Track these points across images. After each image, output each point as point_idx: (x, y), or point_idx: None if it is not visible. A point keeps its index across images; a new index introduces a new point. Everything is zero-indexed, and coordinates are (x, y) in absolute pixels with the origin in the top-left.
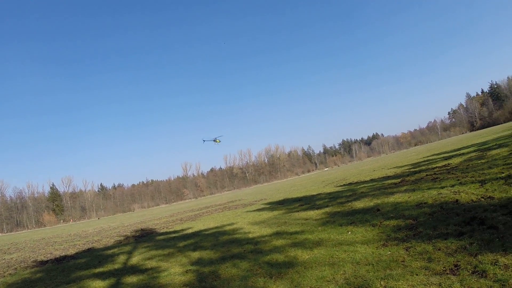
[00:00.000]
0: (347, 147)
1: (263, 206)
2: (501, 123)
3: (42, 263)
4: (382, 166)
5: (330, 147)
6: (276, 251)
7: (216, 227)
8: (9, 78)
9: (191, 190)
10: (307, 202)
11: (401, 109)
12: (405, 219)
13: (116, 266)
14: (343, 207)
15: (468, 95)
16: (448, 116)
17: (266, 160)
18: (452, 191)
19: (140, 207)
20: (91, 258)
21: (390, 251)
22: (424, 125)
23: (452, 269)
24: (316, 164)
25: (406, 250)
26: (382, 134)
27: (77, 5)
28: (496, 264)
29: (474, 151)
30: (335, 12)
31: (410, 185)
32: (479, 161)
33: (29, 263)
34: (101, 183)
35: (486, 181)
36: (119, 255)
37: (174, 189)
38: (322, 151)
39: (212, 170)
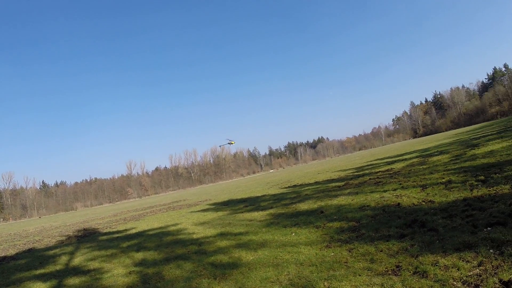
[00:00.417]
0: (293, 150)
1: (207, 206)
2: (443, 131)
3: None
4: (327, 169)
5: (276, 149)
6: (220, 252)
7: (160, 228)
8: None
9: (136, 189)
10: (251, 203)
11: (347, 114)
12: (348, 221)
13: (58, 267)
14: (287, 209)
15: (412, 104)
16: (392, 122)
17: (211, 160)
18: (394, 194)
19: (83, 206)
20: (32, 259)
21: (333, 252)
22: (368, 130)
23: (394, 269)
24: (261, 165)
25: (349, 251)
26: (327, 138)
27: None
28: (437, 265)
29: (416, 157)
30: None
31: (354, 188)
32: (421, 167)
33: None
34: (43, 180)
35: (427, 186)
36: (61, 256)
37: (118, 188)
38: (267, 153)
39: (157, 169)
